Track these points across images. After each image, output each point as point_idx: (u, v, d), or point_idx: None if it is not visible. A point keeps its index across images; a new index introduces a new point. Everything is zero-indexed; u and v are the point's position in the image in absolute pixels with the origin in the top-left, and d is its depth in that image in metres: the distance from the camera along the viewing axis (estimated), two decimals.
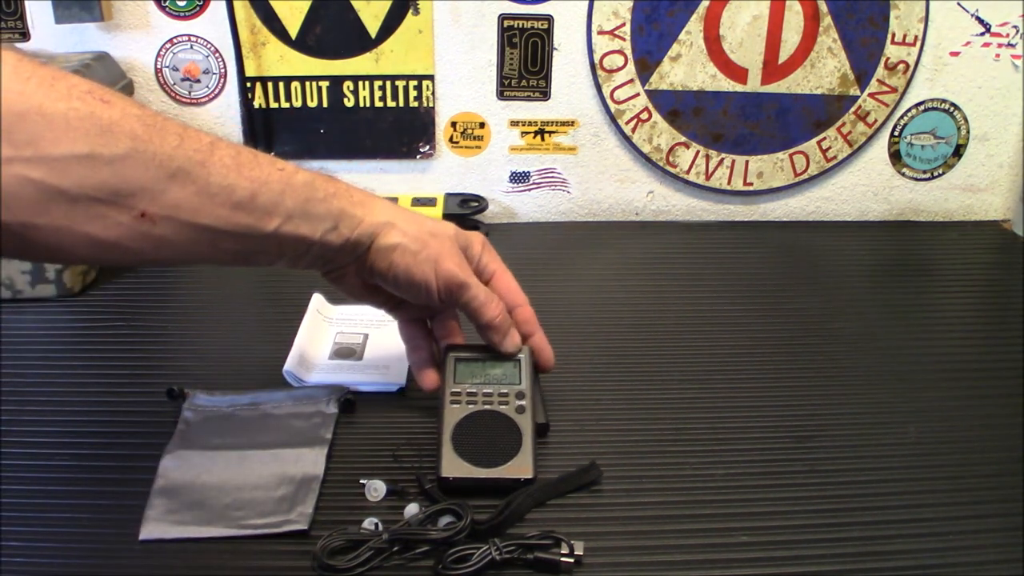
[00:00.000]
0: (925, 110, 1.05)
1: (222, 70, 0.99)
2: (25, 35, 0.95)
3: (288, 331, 0.79)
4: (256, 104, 1.00)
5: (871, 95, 1.03)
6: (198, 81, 1.00)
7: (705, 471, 0.65)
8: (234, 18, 0.96)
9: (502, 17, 0.98)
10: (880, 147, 1.06)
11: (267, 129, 1.02)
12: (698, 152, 1.05)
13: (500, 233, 1.00)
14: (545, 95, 1.02)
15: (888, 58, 1.01)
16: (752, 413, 0.72)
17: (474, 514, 0.58)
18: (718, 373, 0.77)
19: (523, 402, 0.65)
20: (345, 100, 1.01)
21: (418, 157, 1.04)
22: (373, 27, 0.98)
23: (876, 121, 1.04)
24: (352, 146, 1.03)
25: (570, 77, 1.01)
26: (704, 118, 1.03)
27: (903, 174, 1.08)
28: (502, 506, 0.59)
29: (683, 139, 1.04)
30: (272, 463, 0.63)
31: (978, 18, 1.00)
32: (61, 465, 0.65)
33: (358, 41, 0.98)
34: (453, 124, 1.03)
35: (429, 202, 1.02)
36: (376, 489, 0.61)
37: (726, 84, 1.01)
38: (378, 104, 1.01)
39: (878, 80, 1.02)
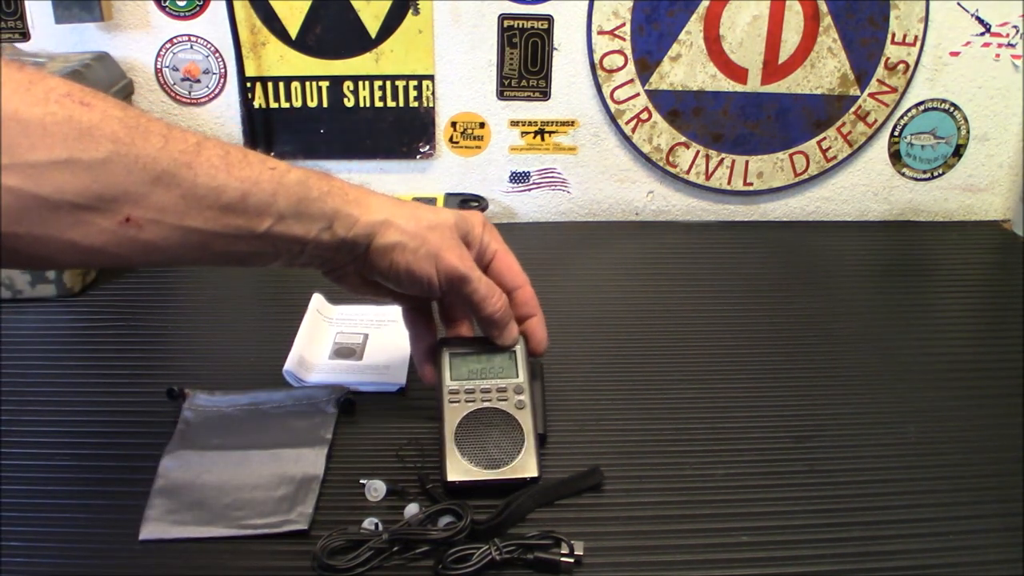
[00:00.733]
0: (925, 110, 1.05)
1: (222, 70, 0.99)
2: (25, 35, 0.95)
3: (288, 331, 0.79)
4: (256, 104, 1.00)
5: (871, 95, 1.03)
6: (198, 81, 1.00)
7: (705, 471, 0.65)
8: (234, 18, 0.96)
9: (502, 17, 0.98)
10: (880, 147, 1.06)
11: (267, 129, 1.02)
12: (698, 152, 1.05)
13: (500, 233, 1.00)
14: (545, 95, 1.02)
15: (888, 58, 1.01)
16: (752, 413, 0.72)
17: (474, 514, 0.58)
18: (718, 373, 0.77)
19: (522, 396, 0.64)
20: (345, 100, 1.01)
21: (418, 157, 1.04)
22: (373, 27, 0.98)
23: (876, 121, 1.04)
24: (352, 146, 1.03)
25: (570, 77, 1.01)
26: (704, 118, 1.03)
27: (903, 174, 1.08)
28: (502, 506, 0.59)
29: (683, 139, 1.04)
30: (272, 463, 0.63)
31: (978, 18, 1.00)
32: (61, 465, 0.65)
33: (358, 41, 0.98)
34: (453, 124, 1.03)
35: (429, 202, 1.02)
36: (376, 489, 0.61)
37: (726, 84, 1.01)
38: (378, 104, 1.01)
39: (878, 80, 1.02)
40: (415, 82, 1.00)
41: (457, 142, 1.04)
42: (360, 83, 1.00)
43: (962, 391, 0.76)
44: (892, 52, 1.01)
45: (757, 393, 0.74)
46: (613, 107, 1.02)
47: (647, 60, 1.00)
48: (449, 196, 1.04)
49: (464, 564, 0.55)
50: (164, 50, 0.98)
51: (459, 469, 0.61)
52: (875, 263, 1.01)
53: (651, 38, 0.99)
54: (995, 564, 0.57)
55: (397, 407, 0.72)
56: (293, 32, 0.97)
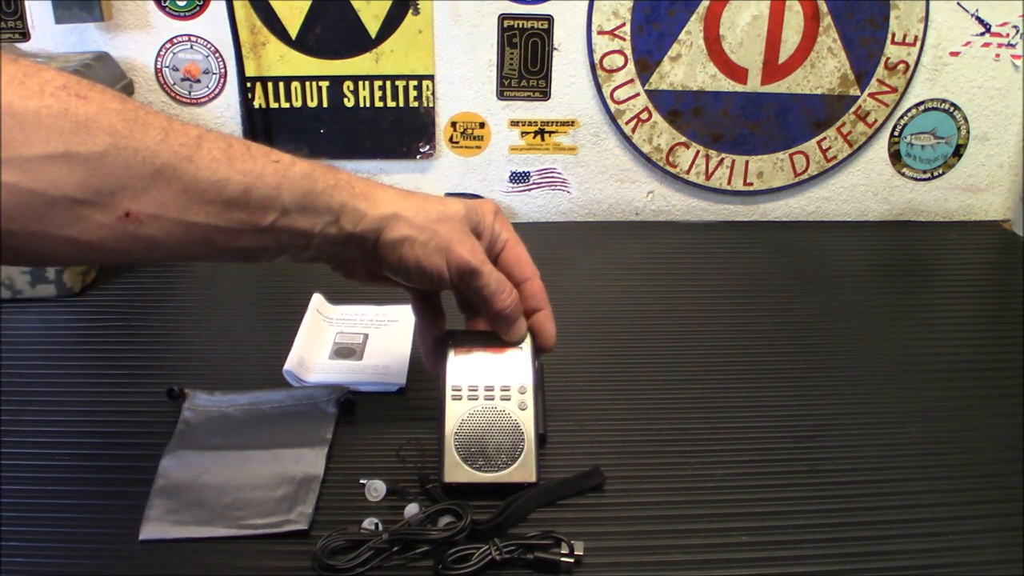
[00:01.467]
0: (925, 110, 1.05)
1: (222, 70, 0.99)
2: (25, 35, 0.95)
3: (288, 331, 0.79)
4: (256, 104, 1.00)
5: (871, 95, 1.03)
6: (198, 81, 1.00)
7: (705, 471, 0.65)
8: (234, 18, 0.96)
9: (502, 17, 0.98)
10: (880, 147, 1.06)
11: (267, 129, 1.02)
12: (698, 152, 1.05)
13: None
14: (545, 95, 1.02)
15: (888, 58, 1.01)
16: (752, 413, 0.72)
17: (474, 514, 0.58)
18: (718, 373, 0.77)
19: (525, 396, 0.63)
20: (345, 100, 1.01)
21: (418, 157, 1.04)
22: (373, 27, 0.98)
23: (876, 121, 1.04)
24: (352, 146, 1.03)
25: (570, 77, 1.01)
26: (704, 118, 1.03)
27: (903, 174, 1.08)
28: (502, 507, 0.59)
29: (683, 139, 1.04)
30: (272, 463, 0.63)
31: (978, 18, 1.00)
32: (61, 465, 0.65)
33: (358, 41, 0.98)
34: (453, 124, 1.03)
35: None
36: (376, 489, 0.61)
37: (726, 84, 1.01)
38: (378, 104, 1.01)
39: (878, 80, 1.02)
40: (415, 82, 1.00)
41: (457, 142, 1.04)
42: (360, 83, 1.00)
43: (962, 391, 0.76)
44: (892, 52, 1.01)
45: (757, 393, 0.74)
46: (613, 107, 1.02)
47: (647, 60, 1.00)
48: (449, 196, 1.04)
49: (464, 564, 0.55)
50: (164, 50, 0.98)
51: (457, 470, 0.61)
52: (875, 263, 1.01)
53: (651, 38, 0.99)
54: (995, 564, 0.57)
55: (397, 407, 0.72)
56: (293, 32, 0.97)
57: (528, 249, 0.65)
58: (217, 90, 1.00)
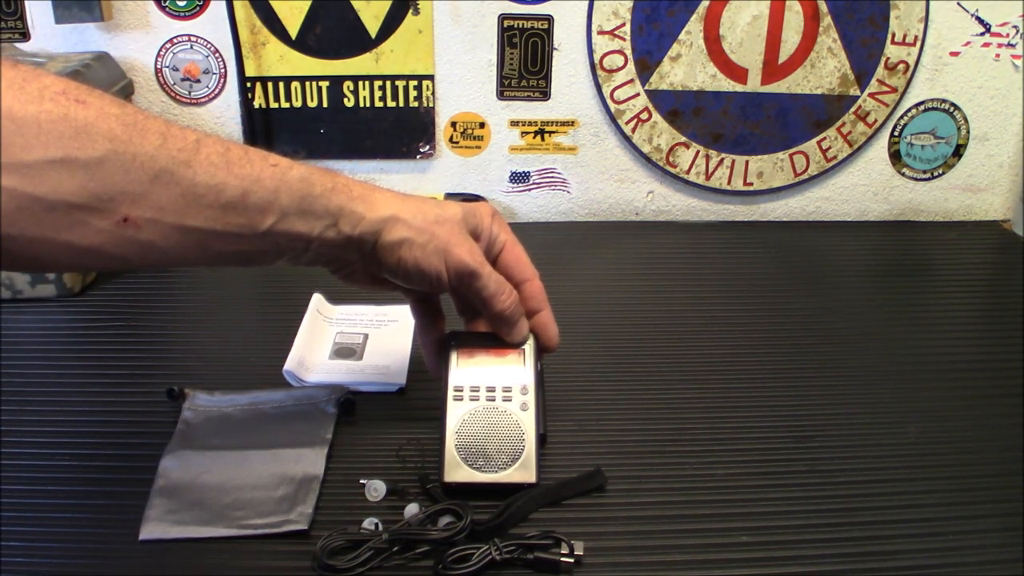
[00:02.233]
0: (925, 110, 1.05)
1: (222, 70, 0.99)
2: (25, 35, 0.95)
3: (288, 331, 0.79)
4: (256, 104, 1.00)
5: (871, 95, 1.03)
6: (198, 81, 1.00)
7: (705, 471, 0.65)
8: (234, 18, 0.96)
9: (502, 17, 0.98)
10: (880, 147, 1.06)
11: (267, 129, 1.02)
12: (698, 152, 1.05)
13: None
14: (545, 95, 1.02)
15: (888, 58, 1.01)
16: (752, 413, 0.72)
17: (474, 515, 0.58)
18: (718, 373, 0.77)
19: (527, 398, 0.63)
20: (345, 100, 1.01)
21: (418, 157, 1.04)
22: (373, 27, 0.98)
23: (876, 121, 1.04)
24: (352, 146, 1.03)
25: (570, 77, 1.01)
26: (704, 118, 1.03)
27: (903, 174, 1.08)
28: (502, 507, 0.59)
29: (683, 139, 1.04)
30: (272, 463, 0.63)
31: (978, 18, 1.00)
32: (61, 465, 0.65)
33: (358, 41, 0.98)
34: (453, 124, 1.03)
35: None
36: (376, 489, 0.61)
37: (726, 84, 1.01)
38: (378, 104, 1.01)
39: (878, 80, 1.02)
40: (415, 82, 1.00)
41: (457, 142, 1.04)
42: (360, 83, 1.00)
43: (962, 391, 0.76)
44: (892, 52, 1.01)
45: (757, 393, 0.74)
46: (613, 107, 1.02)
47: (647, 60, 1.00)
48: (449, 196, 1.04)
49: (464, 564, 0.55)
50: (164, 50, 0.98)
51: (457, 470, 0.61)
52: (875, 263, 1.01)
53: (651, 38, 0.99)
54: (995, 564, 0.57)
55: (397, 407, 0.72)
56: (293, 32, 0.97)
57: (528, 249, 0.66)
58: (217, 90, 1.00)
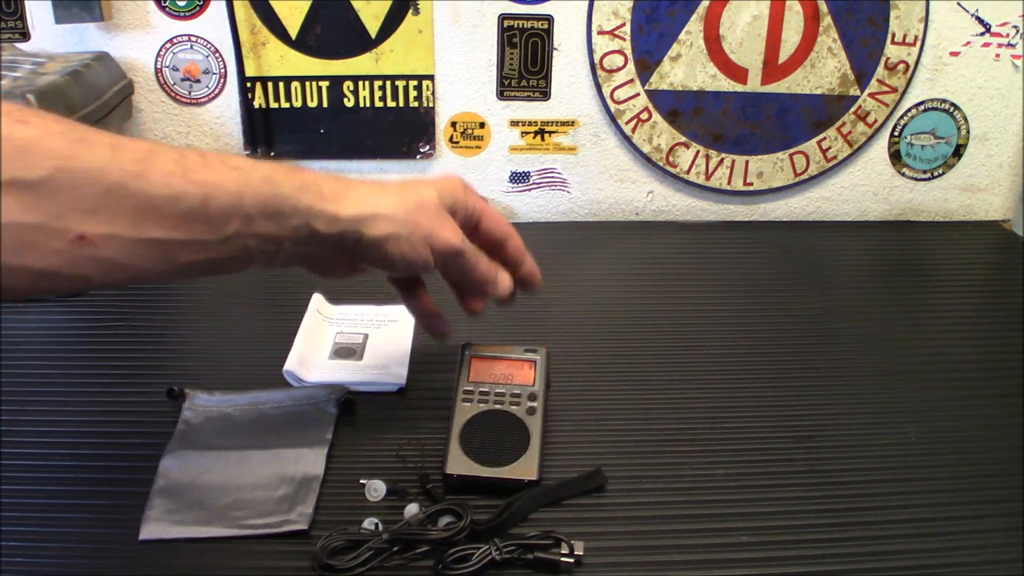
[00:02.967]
0: (925, 110, 1.05)
1: (222, 70, 0.99)
2: (25, 35, 0.95)
3: (288, 331, 0.79)
4: (256, 104, 1.00)
5: (871, 95, 1.03)
6: (198, 81, 1.00)
7: (705, 471, 0.65)
8: (234, 18, 0.96)
9: (502, 17, 0.98)
10: (880, 147, 1.06)
11: (267, 129, 1.02)
12: (698, 152, 1.05)
13: None
14: (545, 95, 1.02)
15: (888, 58, 1.01)
16: (752, 413, 0.72)
17: (474, 514, 0.58)
18: (718, 373, 0.77)
19: (534, 403, 0.65)
20: (345, 100, 1.01)
21: (418, 157, 1.04)
22: (373, 27, 0.98)
23: (876, 121, 1.04)
24: (352, 146, 1.03)
25: (570, 77, 1.01)
26: (704, 118, 1.03)
27: (903, 174, 1.08)
28: (503, 507, 0.59)
29: (683, 139, 1.04)
30: (272, 463, 0.63)
31: (978, 18, 1.00)
32: (61, 465, 0.65)
33: (358, 41, 0.98)
34: (453, 124, 1.03)
35: None
36: (376, 489, 0.61)
37: (726, 84, 1.01)
38: (378, 104, 1.01)
39: (878, 80, 1.02)
40: (415, 82, 1.00)
41: (457, 142, 1.04)
42: (360, 83, 1.00)
43: (962, 391, 0.76)
44: (892, 52, 1.01)
45: (757, 393, 0.75)
46: (613, 107, 1.02)
47: (647, 60, 1.00)
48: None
49: (464, 564, 0.55)
50: (164, 50, 0.98)
51: (459, 462, 0.62)
52: (875, 263, 1.01)
53: (651, 38, 0.99)
54: (995, 564, 0.57)
55: (397, 407, 0.72)
56: (293, 32, 0.97)
57: (528, 249, 0.66)
58: (217, 90, 1.00)
